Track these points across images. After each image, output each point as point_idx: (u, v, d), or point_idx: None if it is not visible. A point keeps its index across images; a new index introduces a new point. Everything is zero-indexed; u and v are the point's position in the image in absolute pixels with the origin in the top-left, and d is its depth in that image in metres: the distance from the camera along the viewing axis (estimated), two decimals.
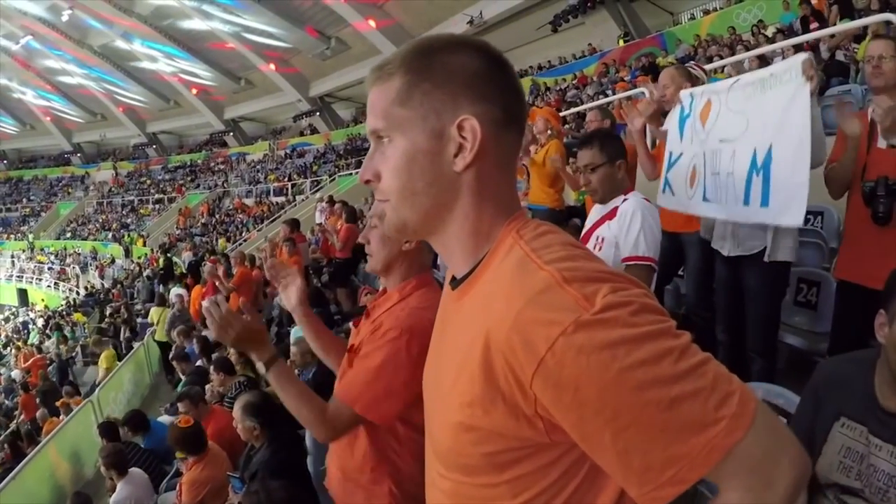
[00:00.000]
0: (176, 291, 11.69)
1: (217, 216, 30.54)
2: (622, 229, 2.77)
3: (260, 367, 1.90)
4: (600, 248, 2.82)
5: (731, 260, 3.34)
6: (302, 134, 34.77)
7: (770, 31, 13.44)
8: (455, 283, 0.99)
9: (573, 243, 0.89)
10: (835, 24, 9.47)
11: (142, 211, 36.40)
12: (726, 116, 3.16)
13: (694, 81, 3.72)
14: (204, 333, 8.75)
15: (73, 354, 16.63)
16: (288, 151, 34.25)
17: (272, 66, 31.92)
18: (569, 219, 5.44)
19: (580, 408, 0.76)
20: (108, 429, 6.24)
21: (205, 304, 1.89)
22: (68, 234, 38.01)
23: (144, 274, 22.09)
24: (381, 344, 1.78)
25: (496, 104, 0.92)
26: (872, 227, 2.91)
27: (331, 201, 12.93)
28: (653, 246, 2.74)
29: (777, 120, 2.83)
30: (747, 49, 10.92)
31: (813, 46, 9.54)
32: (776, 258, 3.17)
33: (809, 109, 2.68)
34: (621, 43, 20.37)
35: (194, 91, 36.87)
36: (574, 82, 19.77)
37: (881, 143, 2.96)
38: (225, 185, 34.26)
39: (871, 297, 2.65)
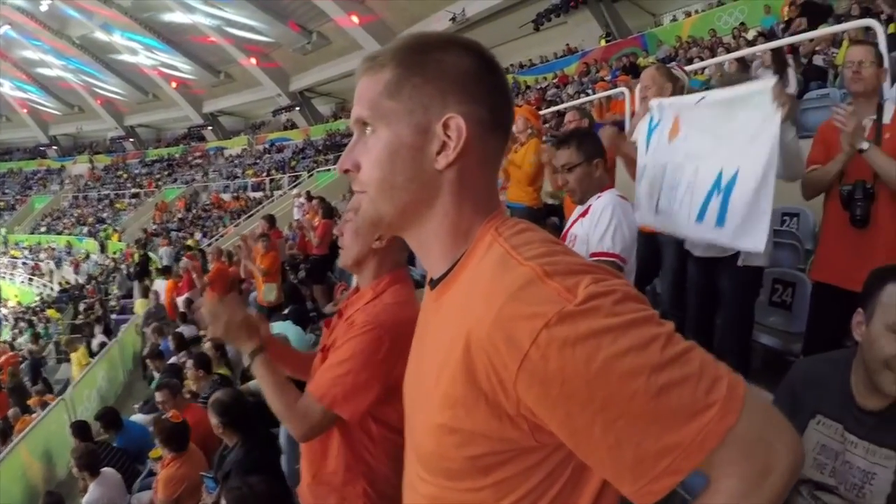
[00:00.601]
0: (158, 285, 11.60)
1: (194, 211, 30.25)
2: (592, 225, 2.77)
3: (246, 359, 1.89)
4: (573, 247, 2.81)
5: (704, 261, 3.36)
6: (285, 128, 34.56)
7: (751, 35, 13.60)
8: (434, 282, 0.98)
9: (552, 240, 0.88)
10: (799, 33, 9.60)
11: (118, 205, 35.96)
12: (692, 134, 3.17)
13: (675, 82, 3.73)
14: (179, 330, 8.66)
15: (46, 352, 16.38)
16: (266, 146, 34.03)
17: (253, 61, 31.73)
18: (546, 217, 5.44)
19: (567, 402, 0.74)
20: (80, 428, 6.14)
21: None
22: (43, 229, 37.55)
23: (122, 269, 21.84)
24: (351, 337, 1.76)
25: (484, 106, 0.91)
26: (850, 229, 2.94)
27: (309, 197, 12.85)
28: (620, 243, 2.71)
29: (745, 145, 2.84)
30: (728, 51, 11.03)
31: (797, 50, 9.66)
32: (750, 263, 3.20)
33: (778, 138, 2.69)
34: (602, 43, 20.50)
35: (174, 84, 36.58)
36: (555, 81, 19.88)
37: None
38: (205, 178, 33.97)
39: (847, 299, 2.69)
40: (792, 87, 7.47)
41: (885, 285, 1.72)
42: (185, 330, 8.77)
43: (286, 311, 7.21)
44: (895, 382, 1.66)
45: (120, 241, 29.14)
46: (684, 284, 3.67)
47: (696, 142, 3.13)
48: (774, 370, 3.68)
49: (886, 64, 3.24)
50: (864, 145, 2.79)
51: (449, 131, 0.89)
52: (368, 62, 0.95)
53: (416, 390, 1.00)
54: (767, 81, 2.81)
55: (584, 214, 2.87)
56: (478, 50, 0.94)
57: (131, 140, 42.36)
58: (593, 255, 2.70)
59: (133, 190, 36.83)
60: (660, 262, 4.04)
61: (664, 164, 3.30)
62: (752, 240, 2.76)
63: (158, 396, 5.25)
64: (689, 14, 19.61)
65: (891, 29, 4.91)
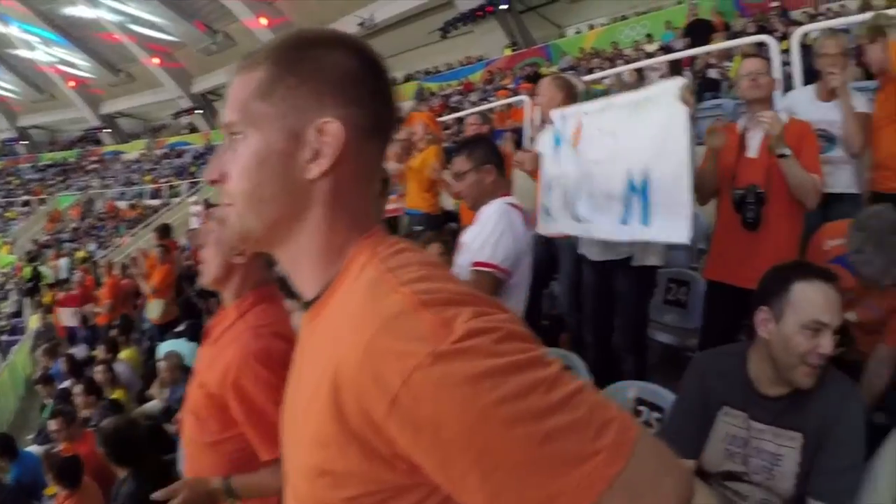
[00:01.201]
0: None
1: (88, 220, 28.69)
2: (476, 234, 2.72)
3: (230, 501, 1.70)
4: (460, 254, 2.78)
5: (600, 264, 3.40)
6: (193, 130, 33.36)
7: (651, 48, 14.20)
8: (307, 305, 0.89)
9: (433, 263, 0.81)
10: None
11: (8, 214, 33.65)
12: (598, 138, 3.18)
13: (569, 90, 3.76)
14: (70, 351, 8.20)
15: None
16: (166, 151, 32.76)
17: (156, 60, 30.68)
18: (445, 223, 5.43)
19: (442, 449, 0.67)
20: None
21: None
22: None
23: (13, 284, 20.53)
24: (241, 387, 1.64)
25: (365, 110, 0.84)
26: (742, 231, 3.06)
27: (207, 205, 12.33)
28: (502, 252, 2.63)
29: (653, 142, 2.87)
30: (627, 63, 11.46)
31: (692, 62, 10.20)
32: (646, 263, 3.27)
33: (688, 132, 2.74)
34: (507, 52, 20.92)
35: (71, 83, 34.87)
36: (459, 88, 20.17)
37: (750, 153, 3.12)
38: (102, 185, 32.32)
39: (740, 296, 2.82)
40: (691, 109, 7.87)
41: (791, 285, 1.81)
42: (77, 351, 8.31)
43: (181, 328, 6.87)
44: (810, 375, 1.77)
45: (11, 253, 27.29)
46: (581, 287, 3.72)
47: (601, 145, 3.15)
48: (672, 365, 3.82)
49: (779, 75, 3.42)
50: (787, 151, 2.89)
51: (324, 137, 0.81)
52: (243, 61, 0.86)
53: (291, 426, 0.91)
54: (675, 81, 2.87)
55: (474, 223, 2.83)
56: (362, 49, 0.86)
57: (24, 143, 39.98)
58: (474, 264, 2.64)
59: (24, 197, 34.64)
60: (556, 266, 4.10)
61: (574, 173, 3.30)
62: (679, 232, 2.79)
63: (52, 425, 4.91)
64: (592, 27, 20.24)
65: (783, 46, 5.33)
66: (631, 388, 2.77)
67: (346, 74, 0.84)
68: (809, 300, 1.77)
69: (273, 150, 0.82)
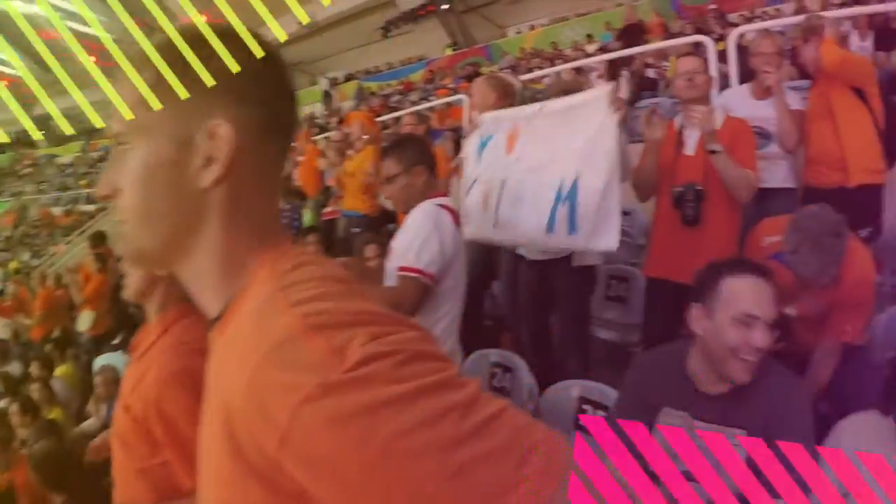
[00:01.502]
0: None
1: (22, 228, 27.57)
2: (402, 237, 2.64)
3: None
4: (389, 259, 2.71)
5: (538, 264, 3.38)
6: None
7: (591, 48, 14.41)
8: (212, 323, 0.82)
9: (337, 278, 0.73)
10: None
11: None
12: (533, 145, 3.14)
13: (504, 88, 3.71)
14: (5, 369, 7.84)
15: None
16: (102, 153, 31.70)
17: (92, 59, 29.73)
18: (384, 224, 5.36)
19: (343, 488, 0.60)
20: None
21: None
22: None
23: None
24: (163, 410, 1.54)
25: (261, 108, 0.78)
26: (681, 228, 3.08)
27: None
28: (427, 257, 2.52)
29: (583, 149, 2.83)
30: (566, 62, 11.58)
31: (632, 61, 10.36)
32: (585, 262, 3.26)
33: (617, 138, 2.72)
34: (448, 52, 21.00)
35: (4, 83, 33.43)
36: (400, 88, 20.15)
37: (688, 150, 3.15)
38: (37, 190, 31.10)
39: (680, 291, 2.80)
40: (623, 94, 7.96)
41: (720, 280, 1.81)
42: (11, 368, 7.95)
43: (117, 341, 6.59)
44: (744, 370, 1.76)
45: None
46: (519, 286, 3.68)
47: (536, 153, 3.10)
48: (615, 361, 3.83)
49: (714, 73, 3.47)
50: (718, 148, 2.92)
51: (214, 141, 0.74)
52: (129, 63, 0.80)
53: (202, 456, 0.83)
54: (603, 88, 2.87)
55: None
56: (254, 42, 0.80)
57: None
58: (398, 269, 2.56)
59: None
60: (496, 266, 4.06)
61: (503, 177, 3.21)
62: (606, 239, 2.75)
63: None
64: (533, 28, 20.46)
65: (720, 47, 5.47)
66: (574, 387, 2.76)
67: (237, 72, 0.77)
68: (738, 293, 1.78)
69: (162, 159, 0.75)
